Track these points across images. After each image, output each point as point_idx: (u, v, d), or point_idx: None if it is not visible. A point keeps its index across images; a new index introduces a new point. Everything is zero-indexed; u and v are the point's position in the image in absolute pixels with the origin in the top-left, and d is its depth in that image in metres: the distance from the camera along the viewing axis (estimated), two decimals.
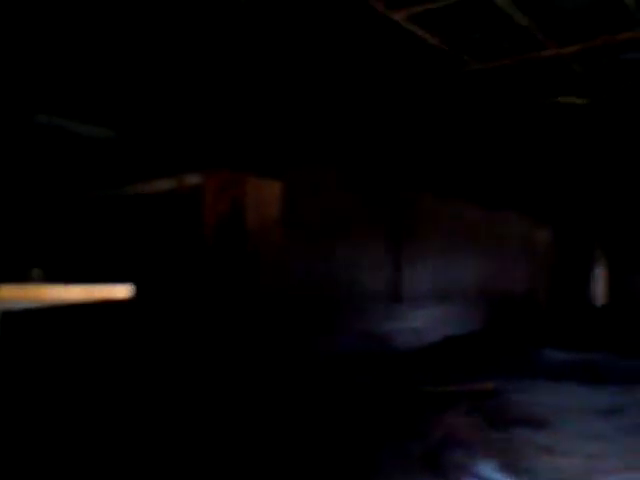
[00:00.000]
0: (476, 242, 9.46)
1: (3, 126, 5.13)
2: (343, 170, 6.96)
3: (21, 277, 5.37)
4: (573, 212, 8.59)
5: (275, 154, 6.25)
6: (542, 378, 6.33)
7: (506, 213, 9.43)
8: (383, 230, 7.54)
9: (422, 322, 8.15)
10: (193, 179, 5.53)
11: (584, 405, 5.06)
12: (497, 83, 6.41)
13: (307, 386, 5.61)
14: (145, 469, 3.43)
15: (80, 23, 5.07)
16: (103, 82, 5.27)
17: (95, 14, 5.13)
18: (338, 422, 4.36)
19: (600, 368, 6.81)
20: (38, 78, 5.00)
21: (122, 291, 5.01)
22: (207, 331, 4.66)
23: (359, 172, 7.21)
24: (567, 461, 3.54)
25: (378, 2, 5.11)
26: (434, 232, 8.50)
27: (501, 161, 8.64)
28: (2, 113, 5.08)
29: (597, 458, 3.61)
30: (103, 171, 5.70)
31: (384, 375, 6.32)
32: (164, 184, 5.72)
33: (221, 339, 4.59)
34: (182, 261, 5.19)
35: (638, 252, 10.02)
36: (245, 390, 4.56)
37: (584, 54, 5.47)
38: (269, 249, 5.05)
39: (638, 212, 8.96)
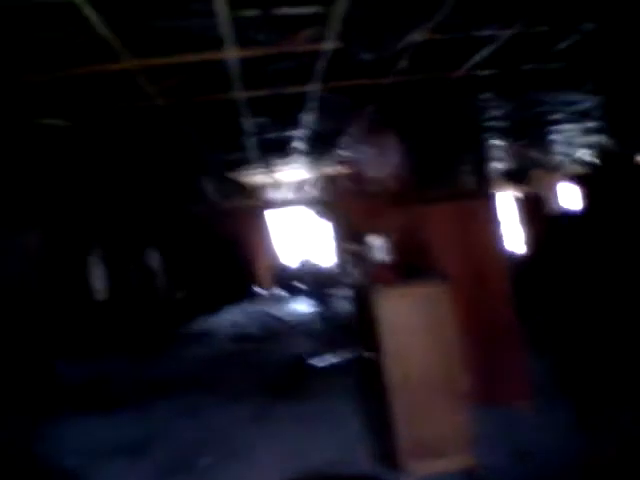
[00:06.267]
0: None
1: None
2: None
3: None
4: (65, 216, 8.58)
5: None
6: (67, 410, 5.97)
7: None
8: None
9: None
10: None
11: (108, 445, 4.80)
12: None
13: None
14: None
15: None
16: None
17: None
18: None
19: (113, 386, 6.79)
20: None
21: None
22: None
23: None
24: None
25: None
26: None
27: None
28: None
29: None
30: None
31: None
32: None
33: None
34: None
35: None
36: None
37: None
38: None
39: (126, 214, 9.83)
